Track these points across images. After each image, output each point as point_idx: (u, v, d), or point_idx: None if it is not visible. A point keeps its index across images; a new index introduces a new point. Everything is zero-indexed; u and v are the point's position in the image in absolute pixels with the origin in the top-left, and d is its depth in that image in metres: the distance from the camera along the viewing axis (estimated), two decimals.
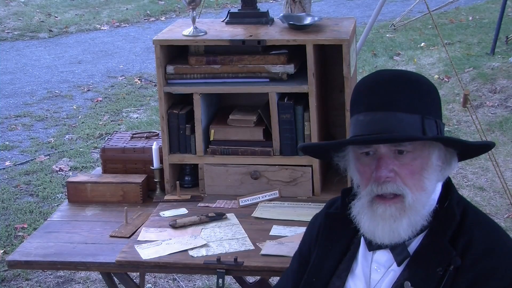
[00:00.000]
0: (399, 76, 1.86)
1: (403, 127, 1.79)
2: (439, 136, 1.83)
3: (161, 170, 3.18)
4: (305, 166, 3.07)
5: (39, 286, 4.31)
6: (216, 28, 3.23)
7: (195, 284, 4.24)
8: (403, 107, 1.80)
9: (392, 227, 1.81)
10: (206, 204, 3.07)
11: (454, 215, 1.83)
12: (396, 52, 8.84)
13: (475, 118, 4.77)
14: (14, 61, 9.40)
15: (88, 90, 8.12)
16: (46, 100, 7.80)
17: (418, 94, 1.83)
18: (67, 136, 6.72)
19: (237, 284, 3.39)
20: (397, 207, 1.81)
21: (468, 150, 1.90)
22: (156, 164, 3.17)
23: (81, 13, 12.00)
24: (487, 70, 7.54)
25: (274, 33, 3.11)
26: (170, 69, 3.12)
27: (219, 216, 2.91)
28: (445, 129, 6.68)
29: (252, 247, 2.69)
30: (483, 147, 1.93)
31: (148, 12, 12.01)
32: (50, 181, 5.68)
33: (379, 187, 1.81)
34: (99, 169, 3.43)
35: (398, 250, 1.84)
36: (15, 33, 10.83)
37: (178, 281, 4.26)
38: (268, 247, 2.66)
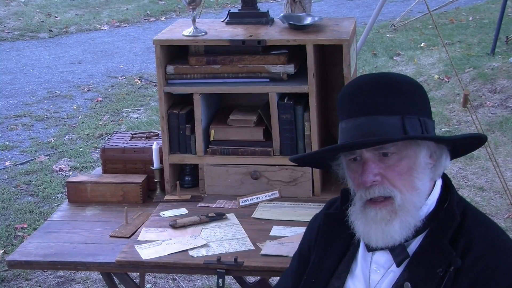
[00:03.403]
0: (379, 79, 1.86)
1: (384, 130, 1.79)
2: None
3: (161, 170, 3.18)
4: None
5: (39, 286, 4.31)
6: (216, 28, 3.23)
7: (195, 284, 4.24)
8: (382, 109, 1.80)
9: (384, 230, 1.81)
10: (206, 204, 3.07)
11: (454, 216, 1.83)
12: (396, 52, 8.83)
13: (475, 118, 4.77)
14: (14, 61, 9.40)
15: (88, 90, 8.12)
16: (46, 100, 7.80)
17: (398, 95, 1.82)
18: (67, 136, 6.71)
19: (237, 284, 3.39)
20: (388, 210, 1.81)
21: (454, 146, 1.88)
22: (156, 164, 3.17)
23: (81, 13, 12.00)
24: (487, 70, 7.54)
25: (274, 33, 3.11)
26: (170, 69, 3.12)
27: (219, 216, 2.91)
28: (445, 129, 6.61)
29: (252, 247, 2.69)
30: (468, 140, 1.90)
31: (148, 12, 12.01)
32: (50, 181, 5.68)
33: (367, 191, 1.82)
34: (99, 169, 3.43)
35: (397, 251, 1.84)
36: (15, 33, 10.83)
37: (178, 281, 4.26)
38: (268, 247, 2.66)
